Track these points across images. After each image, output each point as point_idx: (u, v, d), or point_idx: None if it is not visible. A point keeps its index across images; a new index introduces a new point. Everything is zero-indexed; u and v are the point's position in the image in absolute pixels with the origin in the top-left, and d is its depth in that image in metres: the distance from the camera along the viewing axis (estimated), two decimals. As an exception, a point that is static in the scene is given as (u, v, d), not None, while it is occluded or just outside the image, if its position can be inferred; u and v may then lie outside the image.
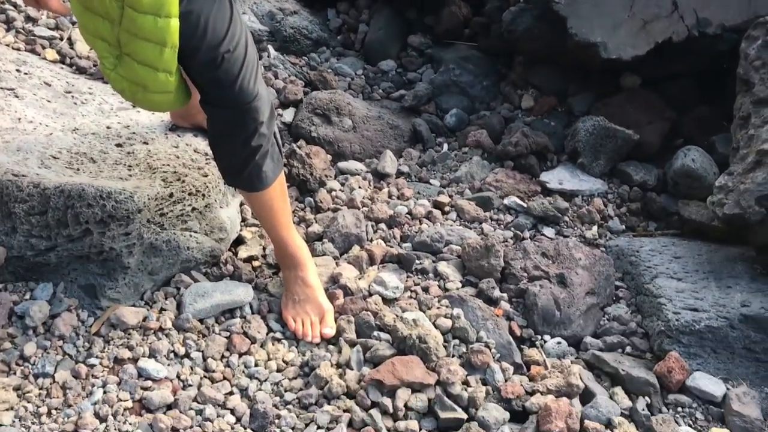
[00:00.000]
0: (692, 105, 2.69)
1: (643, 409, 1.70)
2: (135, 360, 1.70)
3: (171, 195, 1.87)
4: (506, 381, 1.77)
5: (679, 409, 1.74)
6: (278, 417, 1.63)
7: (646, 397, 1.74)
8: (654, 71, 2.64)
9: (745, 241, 2.07)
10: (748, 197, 1.93)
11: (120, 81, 1.50)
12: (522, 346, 1.93)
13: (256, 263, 2.05)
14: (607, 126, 2.50)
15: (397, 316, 1.82)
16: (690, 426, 1.71)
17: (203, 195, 1.93)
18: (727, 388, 1.75)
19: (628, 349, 1.92)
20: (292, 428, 1.61)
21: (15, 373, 1.62)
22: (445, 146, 2.73)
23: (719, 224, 2.09)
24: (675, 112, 2.65)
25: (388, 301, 1.95)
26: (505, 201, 2.41)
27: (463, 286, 2.05)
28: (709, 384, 1.75)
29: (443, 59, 3.03)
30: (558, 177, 2.51)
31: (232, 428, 1.60)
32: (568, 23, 2.47)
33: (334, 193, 2.37)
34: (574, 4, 2.46)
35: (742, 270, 2.02)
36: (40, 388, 1.61)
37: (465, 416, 1.63)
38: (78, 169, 1.87)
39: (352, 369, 1.74)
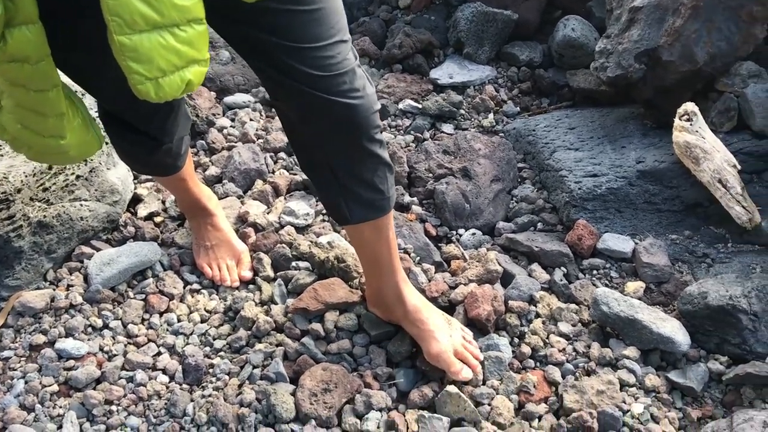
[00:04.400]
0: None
1: (561, 279, 1.77)
2: (52, 343, 1.63)
3: (50, 167, 1.76)
4: (430, 281, 1.80)
5: (595, 272, 1.82)
6: (211, 366, 1.62)
7: (562, 268, 1.80)
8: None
9: (633, 100, 2.12)
10: (627, 56, 1.97)
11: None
12: (440, 244, 1.95)
13: (158, 219, 1.98)
14: (485, 11, 2.48)
15: (311, 242, 1.81)
16: (607, 285, 1.79)
17: (85, 160, 1.82)
18: (635, 243, 1.83)
19: (540, 225, 1.98)
20: (228, 374, 1.60)
21: (-75, 385, 1.54)
22: (331, 61, 2.66)
23: (606, 88, 2.12)
24: (549, -16, 2.65)
25: (301, 230, 1.93)
26: (400, 105, 2.39)
27: (372, 199, 2.04)
28: (618, 243, 1.83)
29: (312, -29, 2.90)
30: (447, 72, 2.49)
31: (167, 387, 1.58)
32: None
33: (225, 131, 2.29)
34: None
35: (634, 128, 2.08)
36: (-43, 394, 1.54)
37: (392, 328, 1.65)
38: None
39: (276, 303, 1.73)
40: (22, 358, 1.61)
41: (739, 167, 1.78)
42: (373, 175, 1.35)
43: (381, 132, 1.33)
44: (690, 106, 1.82)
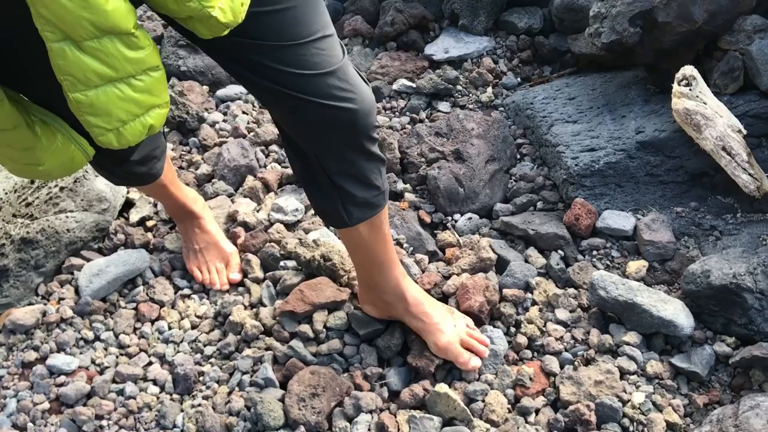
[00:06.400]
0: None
1: (558, 264, 1.69)
2: (44, 359, 1.63)
3: (32, 182, 1.75)
4: (423, 272, 1.74)
5: (594, 252, 1.73)
6: (201, 374, 1.60)
7: (559, 251, 1.73)
8: None
9: (635, 63, 2.01)
10: (621, 20, 1.85)
11: None
12: (436, 231, 1.89)
13: (150, 223, 1.96)
14: (478, -21, 2.37)
15: (298, 240, 1.76)
16: (608, 265, 1.71)
17: (68, 171, 1.80)
18: (637, 219, 1.74)
19: (540, 204, 1.89)
20: (217, 381, 1.58)
21: None
22: (326, 43, 2.59)
23: (605, 53, 2.01)
24: (546, -56, 2.51)
25: (291, 226, 1.89)
26: (394, 86, 2.31)
27: (365, 188, 1.98)
28: (618, 220, 1.74)
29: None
30: (443, 46, 2.40)
31: (158, 398, 1.57)
32: None
33: (218, 126, 2.25)
34: None
35: (636, 94, 1.96)
36: (-48, 416, 1.55)
37: (381, 326, 1.60)
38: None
39: (265, 306, 1.70)
40: (15, 376, 1.61)
41: (744, 132, 1.66)
42: (369, 174, 1.29)
43: (377, 129, 1.27)
44: (688, 70, 1.71)
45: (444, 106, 2.24)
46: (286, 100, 1.13)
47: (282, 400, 1.50)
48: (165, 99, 0.98)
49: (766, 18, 1.78)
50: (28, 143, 1.04)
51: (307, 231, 1.85)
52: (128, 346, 1.67)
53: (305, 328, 1.61)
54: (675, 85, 1.72)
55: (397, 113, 2.26)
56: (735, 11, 1.76)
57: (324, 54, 1.12)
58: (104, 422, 1.52)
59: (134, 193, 2.03)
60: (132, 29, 0.88)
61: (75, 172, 1.19)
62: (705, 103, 1.68)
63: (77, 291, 1.76)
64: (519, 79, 2.33)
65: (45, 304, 1.73)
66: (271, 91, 1.14)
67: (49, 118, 1.08)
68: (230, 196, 2.01)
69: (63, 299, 1.74)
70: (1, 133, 1.01)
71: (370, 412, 1.49)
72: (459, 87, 2.28)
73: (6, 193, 1.66)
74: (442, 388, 1.46)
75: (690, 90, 1.69)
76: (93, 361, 1.64)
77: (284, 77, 1.10)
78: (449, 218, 1.90)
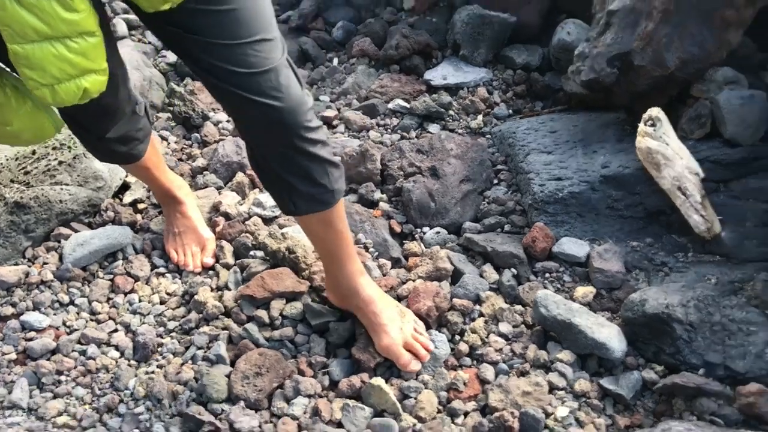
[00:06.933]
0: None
1: (509, 281, 1.77)
2: (19, 315, 1.76)
3: (33, 152, 1.89)
4: (384, 276, 1.83)
5: (547, 275, 1.81)
6: (160, 345, 1.71)
7: (512, 269, 1.80)
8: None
9: (614, 104, 2.09)
10: (600, 60, 1.95)
11: None
12: (404, 241, 1.98)
13: (141, 206, 2.09)
14: (481, 13, 2.48)
15: (269, 233, 1.87)
16: (558, 288, 1.78)
17: (69, 147, 1.95)
18: (592, 248, 1.81)
19: (507, 227, 1.97)
20: (173, 353, 1.69)
21: None
22: (335, 60, 2.72)
23: (585, 92, 2.10)
24: (553, -13, 2.63)
25: (268, 221, 2.00)
26: (390, 105, 2.43)
27: (345, 194, 2.09)
28: (574, 247, 1.81)
29: (325, -27, 2.98)
30: (442, 73, 2.51)
31: (116, 362, 1.68)
32: None
33: (221, 125, 2.39)
34: None
35: (612, 133, 2.04)
36: (-73, 355, 1.68)
37: (333, 318, 1.69)
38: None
39: (230, 290, 1.80)
40: (-10, 327, 1.74)
41: (702, 175, 1.74)
42: (310, 171, 1.39)
43: (315, 130, 1.36)
44: (654, 112, 1.79)
45: (434, 128, 2.35)
46: (228, 95, 1.26)
47: (228, 376, 1.59)
48: (102, 66, 1.08)
49: (737, 71, 1.86)
50: None
51: (281, 226, 1.96)
52: (99, 313, 1.78)
53: (262, 313, 1.71)
54: (641, 125, 1.80)
55: (389, 130, 2.37)
56: (707, 61, 1.84)
57: (260, 55, 1.23)
58: (63, 377, 1.64)
59: (131, 178, 2.16)
60: None
61: (45, 140, 1.32)
62: (667, 144, 1.76)
63: (61, 258, 1.89)
64: (510, 110, 2.42)
65: (29, 266, 1.86)
66: (214, 87, 1.27)
67: (21, 85, 1.20)
68: (219, 188, 2.13)
69: (46, 264, 1.87)
70: None
71: (309, 396, 1.57)
72: (451, 112, 2.39)
73: (7, 160, 1.80)
74: (377, 381, 1.54)
75: (654, 130, 1.77)
76: (64, 323, 1.76)
77: (223, 73, 1.22)
78: (419, 230, 2.00)
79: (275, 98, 1.27)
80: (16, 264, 1.87)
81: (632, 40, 1.88)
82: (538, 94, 2.47)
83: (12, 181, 1.82)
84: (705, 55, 1.83)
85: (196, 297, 1.77)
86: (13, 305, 1.77)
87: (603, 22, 1.98)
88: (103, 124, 1.53)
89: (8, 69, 1.19)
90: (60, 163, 1.92)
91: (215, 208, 2.04)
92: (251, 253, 1.87)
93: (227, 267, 1.86)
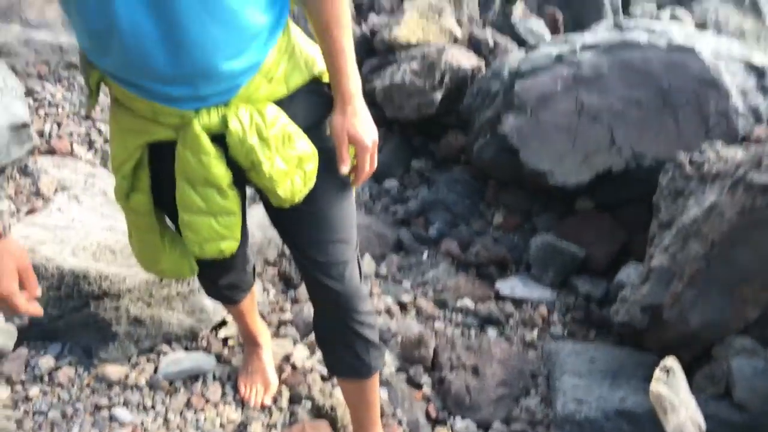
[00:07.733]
0: (645, 226, 2.98)
1: (512, 482, 1.98)
2: (110, 407, 2.16)
3: (161, 281, 2.38)
4: (408, 451, 2.10)
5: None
6: (206, 462, 2.04)
7: (518, 473, 2.01)
8: (606, 196, 2.98)
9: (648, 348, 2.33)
10: (635, 307, 2.23)
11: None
12: (437, 425, 2.25)
13: (231, 342, 2.50)
14: (554, 243, 2.85)
15: (320, 389, 2.21)
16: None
17: (188, 282, 2.43)
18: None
19: (531, 436, 2.20)
20: (217, 471, 2.01)
21: (19, 409, 2.12)
22: (425, 254, 3.15)
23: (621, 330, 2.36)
24: (627, 232, 2.96)
25: (326, 379, 2.34)
26: (458, 303, 2.78)
27: (397, 371, 2.41)
28: (580, 467, 2.01)
29: (438, 180, 3.49)
30: (511, 285, 2.86)
31: (171, 466, 2.02)
32: (521, 154, 2.89)
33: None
34: (525, 139, 2.88)
35: (642, 372, 2.27)
36: (34, 423, 2.09)
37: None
38: (99, 258, 2.43)
39: (277, 430, 2.13)
40: (87, 413, 2.14)
41: (703, 428, 1.92)
42: (354, 345, 1.74)
43: (368, 315, 1.73)
44: (669, 362, 2.02)
45: (492, 331, 2.66)
46: (305, 273, 1.67)
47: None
48: (236, 236, 1.53)
49: (756, 341, 2.08)
50: (156, 247, 1.64)
51: (334, 386, 2.29)
52: (170, 422, 2.15)
53: (297, 456, 2.01)
54: (657, 371, 2.03)
55: (453, 324, 2.70)
56: (726, 328, 2.07)
57: (337, 252, 1.64)
58: (128, 468, 1.99)
59: (230, 317, 2.60)
60: (225, 187, 1.45)
61: (179, 277, 1.77)
62: (677, 394, 1.97)
63: (156, 369, 2.30)
64: (565, 332, 2.70)
65: (130, 370, 2.28)
66: (298, 261, 1.69)
67: (177, 239, 1.68)
68: (295, 342, 2.52)
69: (143, 371, 2.29)
70: (144, 234, 1.61)
71: None
72: (511, 321, 2.70)
73: (139, 283, 2.29)
74: None
75: (667, 378, 1.99)
76: (142, 423, 2.14)
77: (307, 257, 1.64)
78: (452, 418, 2.26)
79: (338, 283, 1.66)
80: (121, 365, 2.30)
81: (665, 295, 2.16)
82: (594, 323, 2.74)
83: (138, 299, 2.30)
84: (724, 323, 2.06)
85: (249, 428, 2.10)
86: (109, 398, 2.18)
87: (645, 273, 2.28)
88: (220, 273, 1.99)
89: (172, 227, 1.68)
90: (177, 293, 2.40)
91: (286, 358, 2.42)
92: (303, 402, 2.21)
93: (280, 410, 2.20)
